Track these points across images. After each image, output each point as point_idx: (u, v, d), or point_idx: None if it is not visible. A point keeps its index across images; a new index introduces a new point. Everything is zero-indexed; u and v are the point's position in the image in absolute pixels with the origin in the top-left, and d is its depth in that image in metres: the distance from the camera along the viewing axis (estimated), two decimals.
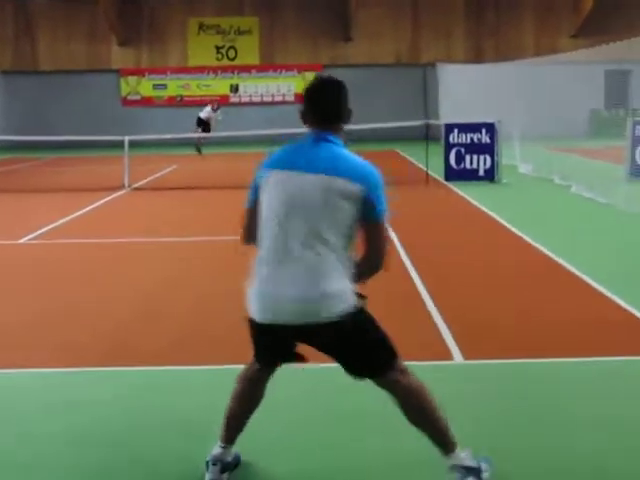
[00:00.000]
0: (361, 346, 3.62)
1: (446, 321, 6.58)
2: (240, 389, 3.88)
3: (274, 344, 3.72)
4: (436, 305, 7.10)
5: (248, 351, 3.84)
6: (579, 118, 29.81)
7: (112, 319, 6.94)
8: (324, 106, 3.65)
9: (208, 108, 27.87)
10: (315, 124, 3.66)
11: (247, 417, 3.92)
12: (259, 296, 3.57)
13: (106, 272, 8.93)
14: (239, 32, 32.80)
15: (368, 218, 3.56)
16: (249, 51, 33.20)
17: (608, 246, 9.91)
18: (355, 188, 3.49)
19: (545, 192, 14.83)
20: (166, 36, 33.47)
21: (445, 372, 5.50)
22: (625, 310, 6.90)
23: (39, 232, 11.61)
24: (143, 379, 5.46)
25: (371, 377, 3.70)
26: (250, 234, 3.74)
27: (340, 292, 3.50)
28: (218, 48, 33.69)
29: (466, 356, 5.77)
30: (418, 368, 5.52)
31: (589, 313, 6.93)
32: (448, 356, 5.79)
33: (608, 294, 7.41)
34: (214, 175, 19.75)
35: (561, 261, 8.86)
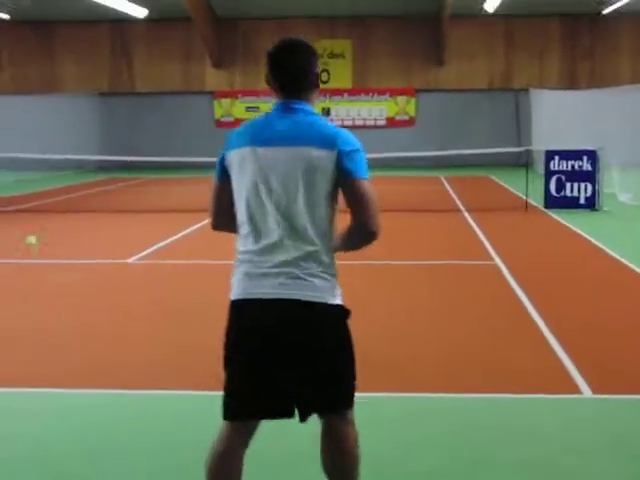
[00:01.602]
0: None
1: (570, 355, 6.49)
2: None
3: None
4: (557, 337, 7.01)
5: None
6: None
7: None
8: (292, 71, 3.25)
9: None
10: (282, 92, 3.29)
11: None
12: None
13: (219, 293, 9.04)
14: (332, 55, 33.01)
15: (347, 175, 3.14)
16: (342, 74, 33.33)
17: None
18: (325, 154, 3.12)
19: None
20: (259, 58, 33.75)
21: (575, 406, 5.47)
22: None
23: (146, 252, 11.85)
24: None
25: None
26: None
27: None
28: None
29: (595, 390, 5.69)
30: (547, 401, 5.52)
31: None
32: (576, 390, 5.72)
33: None
34: None
35: None
